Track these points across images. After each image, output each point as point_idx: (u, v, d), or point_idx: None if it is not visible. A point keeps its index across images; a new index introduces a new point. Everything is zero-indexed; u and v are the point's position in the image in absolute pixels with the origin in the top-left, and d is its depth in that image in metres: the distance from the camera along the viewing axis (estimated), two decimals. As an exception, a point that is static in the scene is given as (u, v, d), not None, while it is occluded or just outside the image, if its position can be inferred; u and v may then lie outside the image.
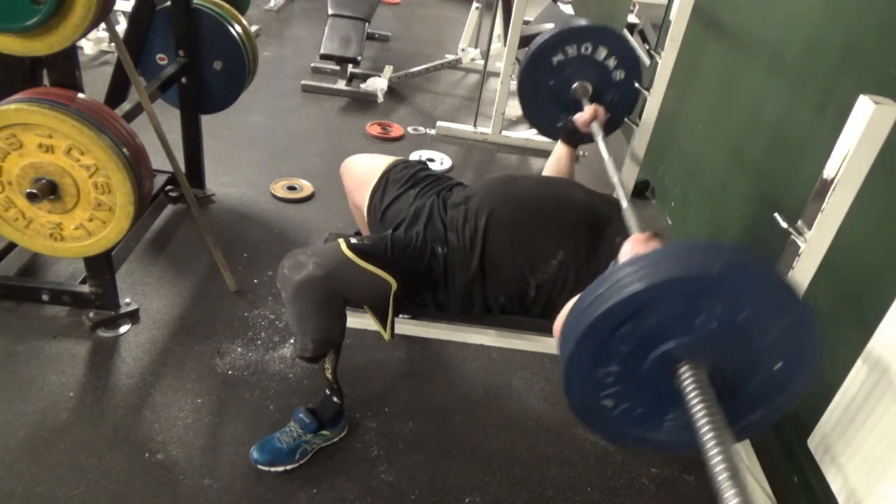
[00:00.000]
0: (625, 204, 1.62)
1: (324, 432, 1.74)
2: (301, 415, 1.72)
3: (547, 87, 2.46)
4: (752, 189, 2.29)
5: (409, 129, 3.86)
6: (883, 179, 1.26)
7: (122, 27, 3.46)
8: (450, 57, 4.86)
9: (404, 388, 2.02)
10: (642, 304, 0.98)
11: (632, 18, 4.32)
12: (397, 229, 1.70)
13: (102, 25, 1.85)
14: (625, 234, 1.50)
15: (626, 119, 2.51)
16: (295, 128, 3.69)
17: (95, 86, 2.30)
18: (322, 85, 4.21)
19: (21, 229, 1.75)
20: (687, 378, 1.00)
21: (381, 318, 1.65)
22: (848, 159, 1.16)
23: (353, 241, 1.58)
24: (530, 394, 2.07)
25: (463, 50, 4.87)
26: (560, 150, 2.11)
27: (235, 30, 2.53)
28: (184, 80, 2.55)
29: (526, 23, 4.12)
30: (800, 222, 1.28)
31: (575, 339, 1.02)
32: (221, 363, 2.00)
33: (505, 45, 3.73)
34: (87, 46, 4.15)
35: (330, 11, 4.38)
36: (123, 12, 4.22)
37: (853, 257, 1.59)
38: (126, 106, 2.07)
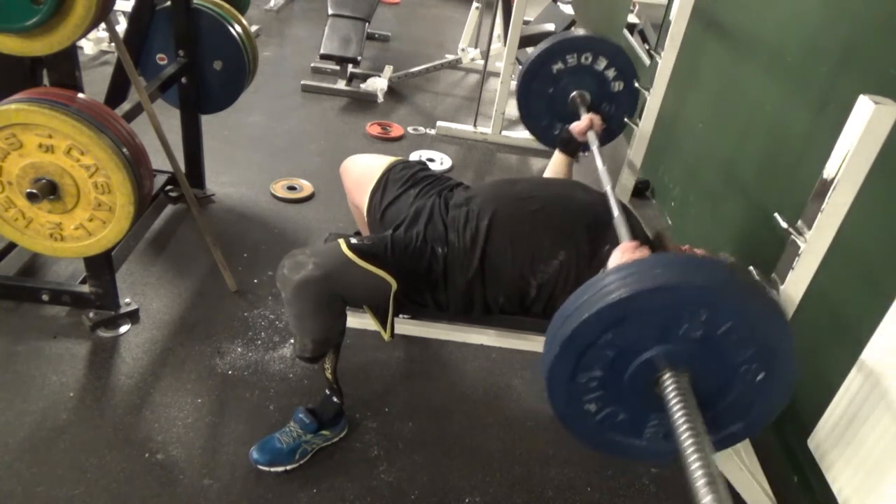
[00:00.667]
0: (616, 213, 1.62)
1: (324, 432, 1.74)
2: (301, 415, 1.72)
3: (545, 95, 2.48)
4: (752, 189, 2.29)
5: (409, 129, 3.86)
6: (883, 179, 1.26)
7: (122, 27, 3.46)
8: (450, 57, 4.86)
9: (404, 388, 2.02)
10: (626, 311, 1.00)
11: (632, 18, 4.31)
12: (397, 229, 1.70)
13: (102, 25, 1.85)
14: (616, 243, 1.50)
15: (625, 120, 2.51)
16: (295, 128, 3.69)
17: (95, 86, 2.29)
18: (322, 85, 4.21)
19: (21, 229, 1.75)
20: (669, 385, 1.01)
21: (381, 318, 1.65)
22: (848, 159, 1.16)
23: (353, 241, 1.58)
24: (530, 394, 2.06)
25: (463, 50, 4.87)
26: (557, 158, 2.13)
27: (235, 30, 2.53)
28: (184, 80, 2.55)
29: (526, 23, 4.13)
30: (800, 222, 1.28)
31: (559, 343, 1.04)
32: (221, 363, 2.00)
33: (505, 45, 3.73)
34: (87, 46, 4.15)
35: (330, 11, 4.38)
36: (123, 12, 4.23)
37: (853, 257, 1.59)
38: (126, 106, 2.07)
